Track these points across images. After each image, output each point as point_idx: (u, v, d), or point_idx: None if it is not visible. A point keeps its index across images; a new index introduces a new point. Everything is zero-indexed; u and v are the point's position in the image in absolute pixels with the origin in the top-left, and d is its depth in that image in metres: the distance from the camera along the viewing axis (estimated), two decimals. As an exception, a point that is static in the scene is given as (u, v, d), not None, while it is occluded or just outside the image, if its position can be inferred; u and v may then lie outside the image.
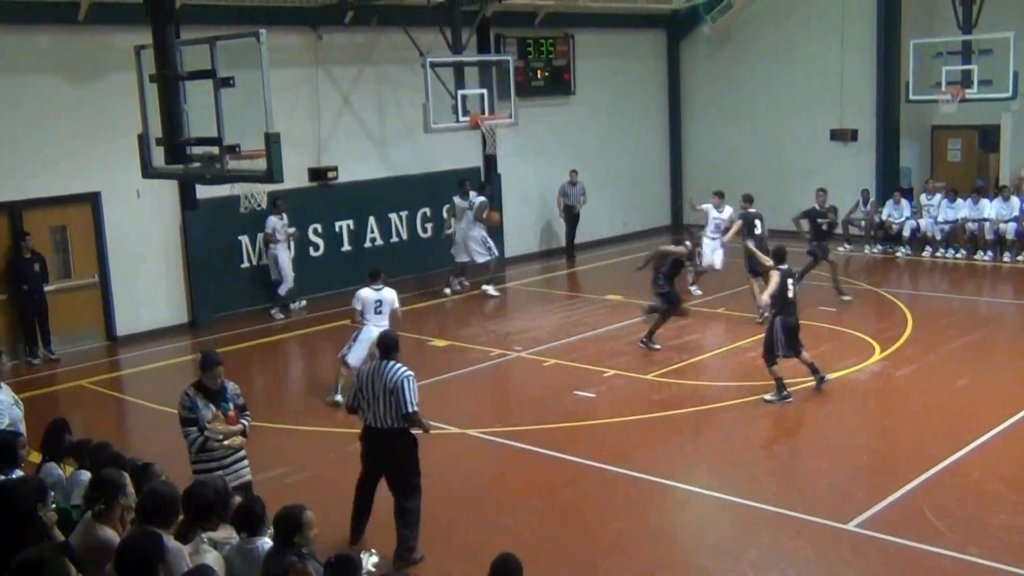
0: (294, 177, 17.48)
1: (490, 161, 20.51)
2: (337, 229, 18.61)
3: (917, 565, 7.93)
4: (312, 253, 18.21)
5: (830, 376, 12.15)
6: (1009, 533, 8.29)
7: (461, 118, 15.94)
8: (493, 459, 10.66)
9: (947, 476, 9.52)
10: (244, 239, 17.25)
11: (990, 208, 19.45)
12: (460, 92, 16.07)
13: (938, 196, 20.15)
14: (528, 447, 10.59)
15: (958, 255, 19.70)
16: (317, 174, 18.14)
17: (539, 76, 21.88)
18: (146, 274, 16.32)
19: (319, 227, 18.33)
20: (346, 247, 18.74)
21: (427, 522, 8.13)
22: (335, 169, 18.28)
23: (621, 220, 23.70)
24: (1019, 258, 19.01)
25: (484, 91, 16.51)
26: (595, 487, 9.65)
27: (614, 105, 23.64)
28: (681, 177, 25.20)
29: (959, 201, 19.88)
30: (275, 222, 16.70)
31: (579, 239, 22.25)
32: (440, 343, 15.05)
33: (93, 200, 15.61)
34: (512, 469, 10.33)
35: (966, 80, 19.48)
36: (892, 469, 9.77)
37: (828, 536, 8.41)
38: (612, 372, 13.03)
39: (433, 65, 15.77)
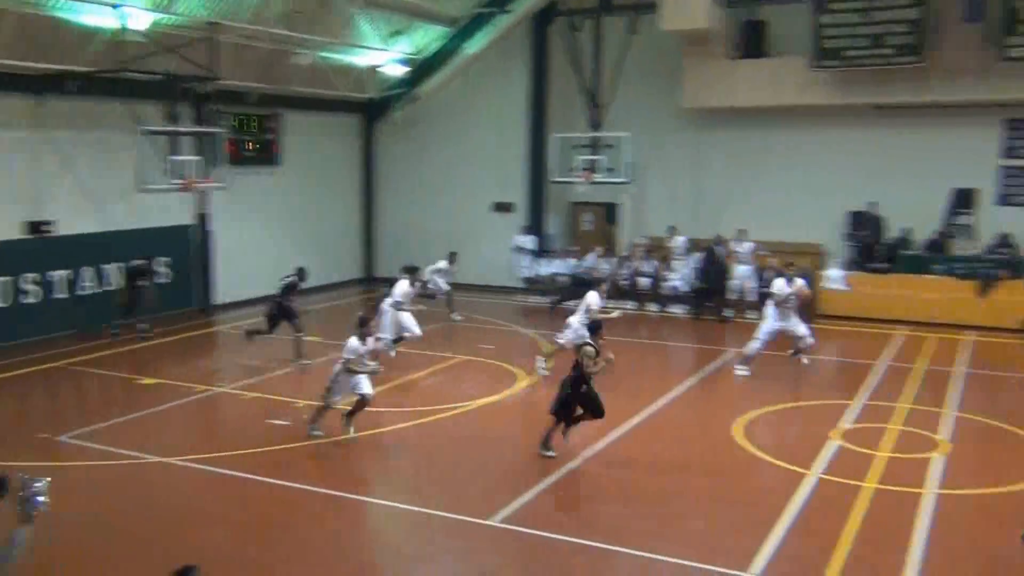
0: (9, 229, 16.07)
1: (203, 219, 19.77)
2: (51, 278, 17.09)
3: (546, 550, 8.30)
4: (24, 300, 16.62)
5: (489, 399, 12.62)
6: (614, 519, 8.89)
7: (173, 181, 15.31)
8: (189, 484, 10.08)
9: (571, 476, 10.08)
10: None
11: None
12: (171, 158, 15.42)
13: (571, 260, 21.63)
14: (225, 471, 10.16)
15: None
16: (33, 227, 16.62)
17: (250, 147, 21.34)
18: None
19: (34, 276, 16.76)
20: (61, 294, 17.25)
21: (126, 540, 7.62)
22: (51, 223, 16.85)
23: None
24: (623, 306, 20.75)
25: (197, 158, 15.98)
26: (282, 504, 9.37)
27: (317, 175, 23.47)
28: (373, 238, 25.41)
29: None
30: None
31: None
32: (149, 381, 14.16)
33: None
34: (207, 492, 9.81)
35: (594, 167, 21.13)
36: (529, 473, 10.16)
37: (474, 531, 8.67)
38: (304, 403, 12.81)
39: (149, 132, 15.06)
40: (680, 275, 20.44)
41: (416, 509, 9.22)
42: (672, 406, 13.01)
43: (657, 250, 21.17)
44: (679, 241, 20.93)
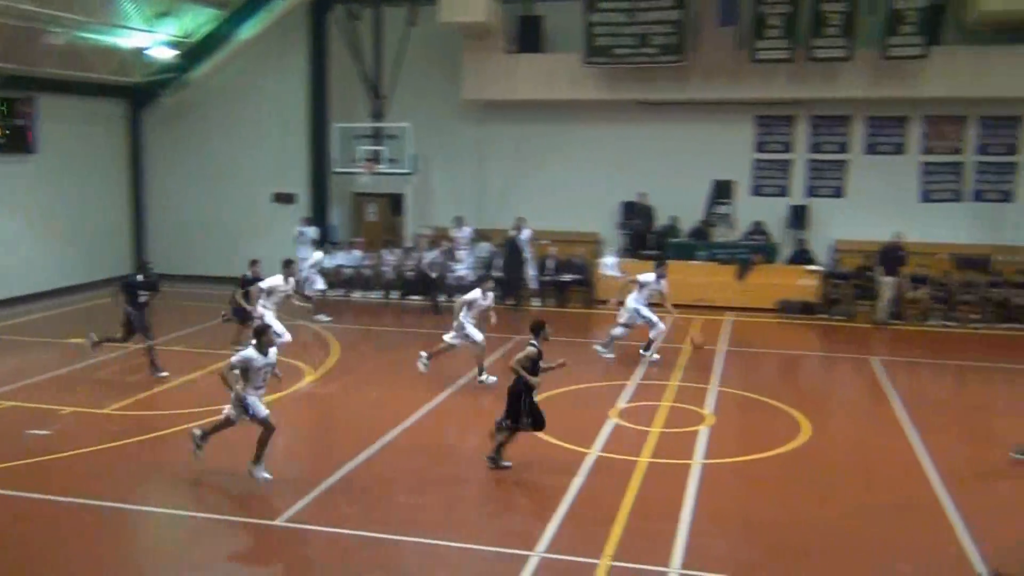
0: None
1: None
2: None
3: (333, 546, 8.21)
4: None
5: (272, 396, 12.23)
6: (403, 510, 8.89)
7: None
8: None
9: (359, 470, 9.98)
10: None
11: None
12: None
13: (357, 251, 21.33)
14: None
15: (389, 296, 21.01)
16: None
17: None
18: None
19: None
20: None
21: None
22: None
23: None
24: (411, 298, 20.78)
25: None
26: (45, 520, 8.67)
27: (79, 165, 21.81)
28: (144, 233, 23.92)
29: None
30: None
31: (44, 287, 20.18)
32: None
33: None
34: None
35: (377, 158, 20.97)
36: (317, 469, 9.97)
37: (261, 532, 8.42)
38: (70, 410, 11.89)
39: None
40: (466, 265, 20.71)
41: (197, 515, 8.81)
42: (460, 393, 13.18)
43: (442, 240, 21.36)
44: (465, 232, 21.21)
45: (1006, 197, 20.22)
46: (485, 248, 21.00)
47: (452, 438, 11.51)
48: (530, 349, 9.82)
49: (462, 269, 20.66)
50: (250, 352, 9.35)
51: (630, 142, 21.48)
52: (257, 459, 9.44)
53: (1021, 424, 12.78)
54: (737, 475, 10.08)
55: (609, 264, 20.09)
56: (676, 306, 15.74)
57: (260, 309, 14.09)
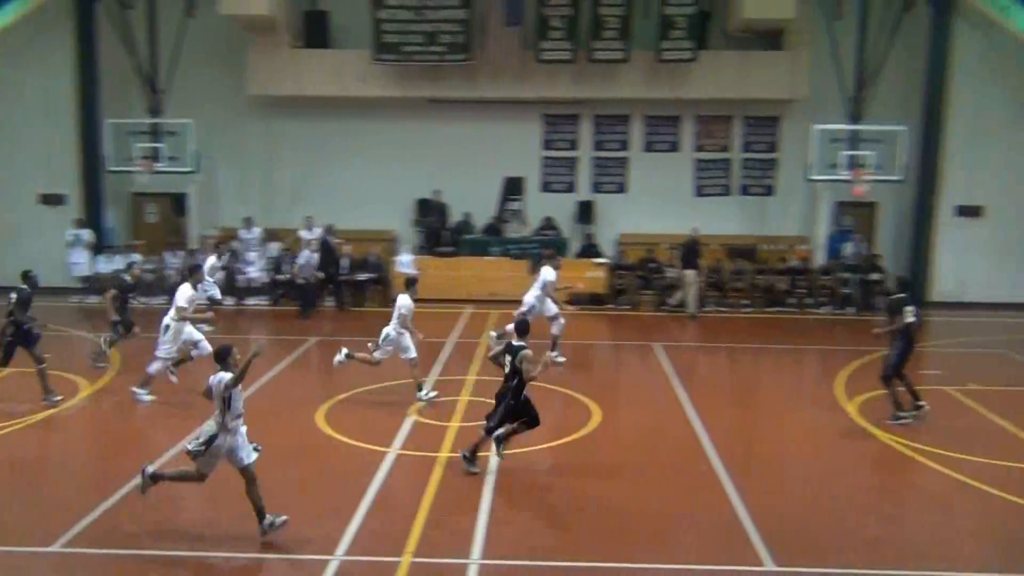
0: None
1: None
2: None
3: (116, 568, 7.73)
4: None
5: (43, 415, 11.35)
6: (200, 524, 8.50)
7: None
8: None
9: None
10: None
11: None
12: None
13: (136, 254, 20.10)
14: None
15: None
16: None
17: None
18: None
19: None
20: None
21: None
22: None
23: None
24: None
25: None
26: None
27: None
28: None
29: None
30: None
31: None
32: None
33: None
34: None
35: (156, 156, 19.87)
36: (95, 489, 9.28)
37: (31, 563, 7.78)
38: None
39: None
40: (257, 267, 20.05)
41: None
42: (255, 397, 12.73)
43: (229, 242, 20.55)
44: (254, 232, 20.51)
45: (768, 191, 21.99)
46: (275, 248, 20.43)
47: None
48: (527, 352, 9.77)
49: (252, 271, 19.99)
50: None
51: (423, 139, 21.58)
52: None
53: (787, 399, 14.02)
54: (534, 463, 10.36)
55: (404, 262, 20.09)
56: (472, 301, 15.96)
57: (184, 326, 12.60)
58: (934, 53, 20.60)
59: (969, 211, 21.00)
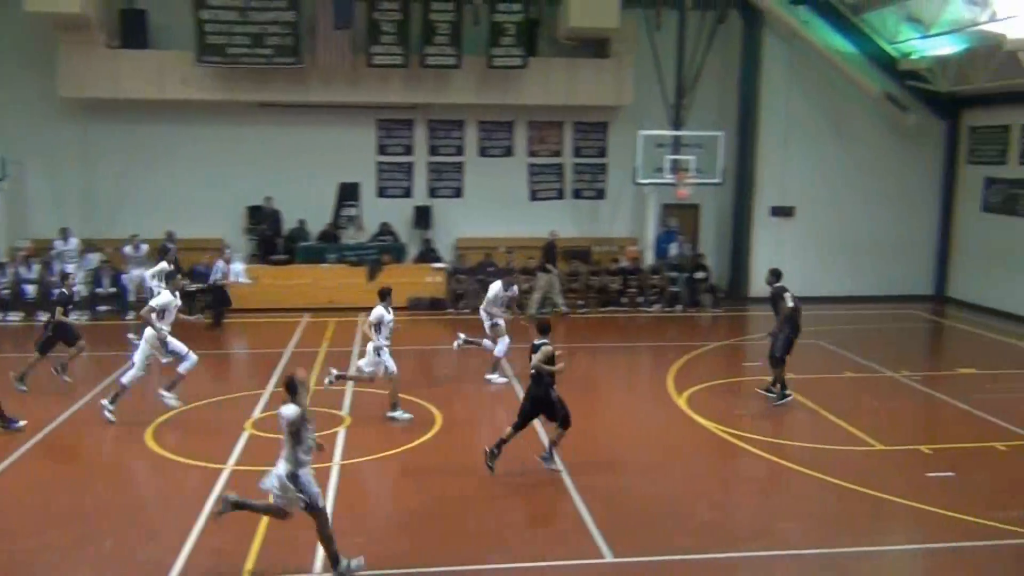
0: None
1: None
2: None
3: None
4: None
5: None
6: (23, 553, 7.94)
7: None
8: None
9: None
10: None
11: None
12: None
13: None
14: None
15: None
16: None
17: None
18: None
19: None
20: None
21: None
22: None
23: None
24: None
25: None
26: None
27: None
28: None
29: None
30: None
31: None
32: None
33: None
34: None
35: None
36: None
37: None
38: None
39: None
40: (76, 280, 18.83)
41: None
42: (75, 419, 11.99)
43: (43, 254, 19.24)
44: (71, 243, 19.28)
45: (600, 195, 22.70)
46: (95, 260, 19.30)
47: (73, 466, 10.43)
48: (548, 348, 9.98)
49: (73, 285, 18.77)
50: (292, 409, 7.37)
51: (253, 144, 20.93)
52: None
53: (622, 394, 14.52)
54: (376, 471, 10.30)
55: (236, 271, 19.42)
56: (309, 310, 15.66)
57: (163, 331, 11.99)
58: (746, 63, 21.91)
59: (782, 211, 22.41)
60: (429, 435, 11.53)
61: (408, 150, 21.90)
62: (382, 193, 21.79)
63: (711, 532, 8.75)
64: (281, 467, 7.42)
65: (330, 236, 20.73)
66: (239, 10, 19.32)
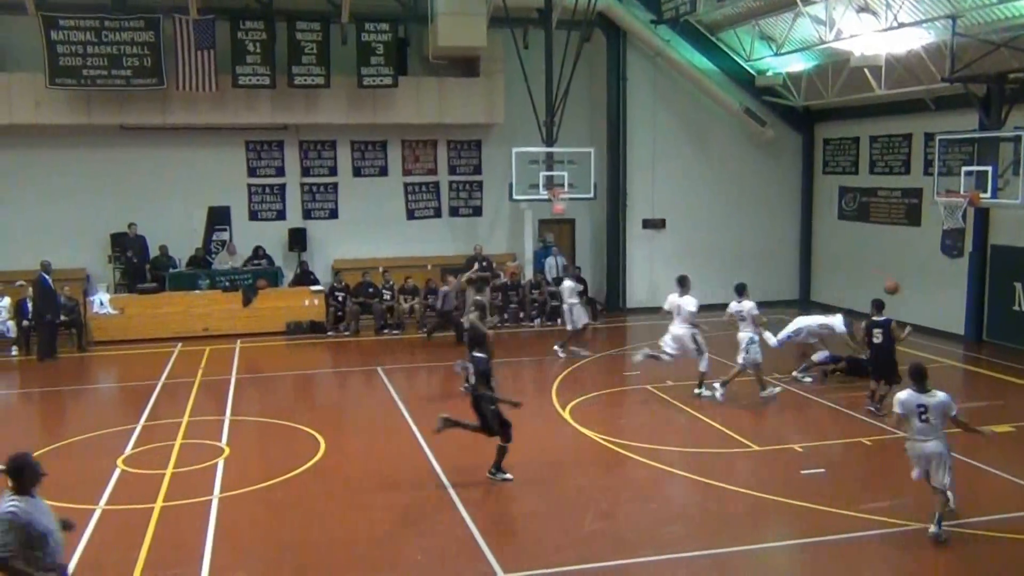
0: None
1: None
2: None
3: None
4: None
5: None
6: None
7: None
8: None
9: None
10: None
11: None
12: None
13: None
14: None
15: None
16: None
17: None
18: None
19: None
20: None
21: None
22: None
23: None
24: None
25: None
26: None
27: None
28: None
29: None
30: None
31: None
32: None
33: None
34: None
35: None
36: None
37: None
38: None
39: None
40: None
41: None
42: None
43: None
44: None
45: (477, 212, 22.81)
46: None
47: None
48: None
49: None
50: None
51: (115, 168, 20.12)
52: None
53: (509, 409, 14.52)
54: (258, 502, 9.95)
55: (100, 301, 18.55)
56: (182, 339, 15.08)
57: None
58: (612, 80, 22.46)
59: (653, 224, 23.05)
60: (313, 461, 11.23)
61: (280, 171, 21.44)
62: (254, 216, 21.25)
63: (596, 542, 8.83)
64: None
65: (201, 261, 20.05)
66: (93, 31, 18.54)
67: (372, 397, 15.03)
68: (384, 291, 20.32)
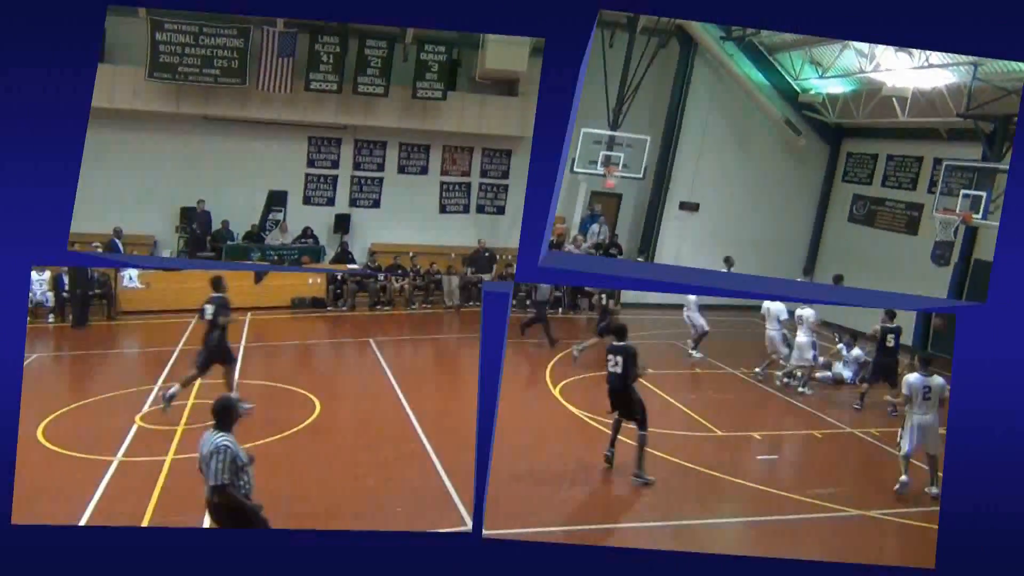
0: None
1: None
2: None
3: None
4: None
5: None
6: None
7: None
8: None
9: None
10: None
11: None
12: None
13: None
14: None
15: None
16: None
17: None
18: None
19: None
20: None
21: None
22: None
23: None
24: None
25: None
26: None
27: None
28: None
29: None
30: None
31: None
32: None
33: None
34: None
35: None
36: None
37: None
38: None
39: None
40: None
41: None
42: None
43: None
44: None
45: (500, 211, 25.81)
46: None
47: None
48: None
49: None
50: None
51: (193, 152, 22.97)
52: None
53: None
54: (257, 456, 10.54)
55: (130, 276, 21.27)
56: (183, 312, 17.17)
57: None
58: (677, 82, 24.92)
59: (688, 206, 25.59)
60: (308, 421, 13.01)
61: (335, 164, 24.69)
62: (307, 201, 24.64)
63: (570, 507, 10.28)
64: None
65: (256, 237, 23.60)
66: (192, 35, 21.97)
67: (361, 364, 17.08)
68: (411, 272, 23.86)
